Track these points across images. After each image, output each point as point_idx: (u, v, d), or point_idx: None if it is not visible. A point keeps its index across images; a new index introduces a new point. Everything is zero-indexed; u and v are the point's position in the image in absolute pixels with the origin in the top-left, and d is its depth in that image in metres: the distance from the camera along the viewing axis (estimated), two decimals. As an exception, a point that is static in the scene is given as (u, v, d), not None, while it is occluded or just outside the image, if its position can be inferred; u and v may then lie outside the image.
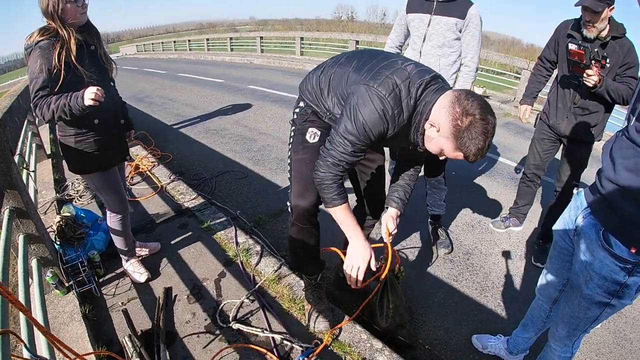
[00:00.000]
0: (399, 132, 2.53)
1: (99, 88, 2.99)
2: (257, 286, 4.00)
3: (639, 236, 1.95)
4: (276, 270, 4.19)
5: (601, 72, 3.80)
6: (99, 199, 5.68)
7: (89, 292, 3.88)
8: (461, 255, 5.03)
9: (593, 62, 3.74)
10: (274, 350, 3.30)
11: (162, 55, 35.59)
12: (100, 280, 4.14)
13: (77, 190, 5.98)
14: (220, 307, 3.76)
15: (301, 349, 3.29)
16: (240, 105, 12.47)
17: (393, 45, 4.73)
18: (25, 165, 5.47)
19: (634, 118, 1.92)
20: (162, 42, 39.80)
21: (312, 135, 3.06)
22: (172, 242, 4.78)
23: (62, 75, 2.99)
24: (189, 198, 5.78)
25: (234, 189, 6.68)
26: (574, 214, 2.43)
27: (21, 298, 2.91)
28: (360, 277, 2.86)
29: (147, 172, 6.66)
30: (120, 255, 4.14)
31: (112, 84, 3.54)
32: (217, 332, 3.51)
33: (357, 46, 19.85)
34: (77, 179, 6.20)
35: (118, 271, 4.23)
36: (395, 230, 3.17)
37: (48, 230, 4.09)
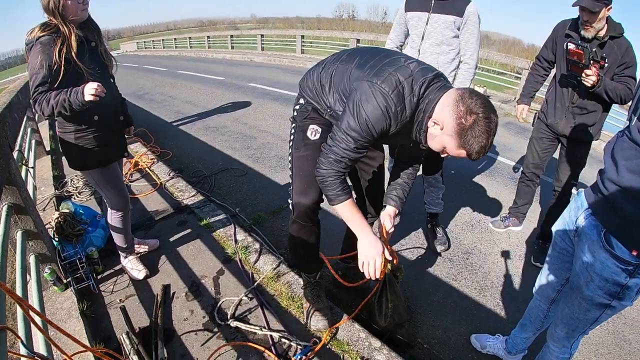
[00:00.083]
0: (401, 129, 2.53)
1: (99, 84, 3.00)
2: (255, 284, 3.99)
3: None
4: (275, 268, 4.19)
5: (599, 72, 3.80)
6: (98, 195, 5.69)
7: (87, 289, 3.88)
8: (460, 255, 5.03)
9: (592, 62, 3.74)
10: (272, 348, 3.29)
11: (162, 53, 35.61)
12: (99, 277, 4.13)
13: (76, 187, 5.97)
14: (218, 305, 3.75)
15: (299, 347, 3.28)
16: (240, 102, 12.47)
17: (393, 45, 4.72)
18: (24, 162, 5.46)
19: (636, 118, 1.91)
20: (163, 40, 39.77)
21: (313, 132, 3.06)
22: (171, 239, 4.78)
23: (62, 72, 3.00)
24: (188, 195, 5.78)
25: (233, 187, 6.68)
26: (574, 214, 2.41)
27: (19, 294, 2.91)
28: (378, 271, 2.87)
29: (147, 169, 6.67)
30: (119, 252, 4.13)
31: (112, 80, 3.54)
32: (215, 329, 3.51)
33: (358, 45, 19.80)
34: (76, 176, 6.19)
35: (116, 268, 4.23)
36: (392, 229, 3.18)
37: (46, 226, 4.09)
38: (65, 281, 3.77)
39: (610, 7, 3.81)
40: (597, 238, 2.13)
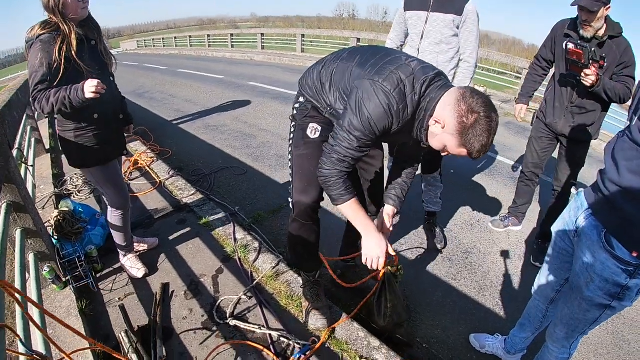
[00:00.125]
0: (402, 127, 2.54)
1: (99, 81, 3.02)
2: (254, 283, 3.99)
3: None
4: (274, 267, 4.19)
5: (599, 72, 3.80)
6: (97, 194, 5.69)
7: (86, 287, 3.88)
8: (460, 254, 5.03)
9: (591, 62, 3.74)
10: (271, 347, 3.29)
11: (162, 51, 35.58)
12: (98, 275, 4.13)
13: (76, 185, 5.97)
14: (217, 304, 3.75)
15: (298, 346, 3.28)
16: (240, 101, 12.46)
17: (394, 45, 4.72)
18: (23, 160, 5.46)
19: (636, 118, 1.91)
20: (163, 38, 39.81)
21: (313, 130, 3.06)
22: (170, 237, 4.78)
23: (62, 70, 3.00)
24: (187, 194, 5.78)
25: (233, 185, 6.68)
26: (574, 214, 2.40)
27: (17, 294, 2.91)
28: (381, 267, 2.96)
29: (146, 168, 6.67)
30: (119, 250, 4.13)
31: (111, 79, 3.55)
32: (214, 328, 3.51)
33: (358, 44, 19.81)
34: (75, 174, 6.19)
35: (115, 266, 4.23)
36: (391, 228, 3.19)
37: (46, 225, 4.09)
38: (64, 279, 3.77)
39: (609, 7, 3.82)
40: (597, 239, 2.13)
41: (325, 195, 3.04)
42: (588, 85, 3.87)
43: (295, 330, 3.48)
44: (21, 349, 2.15)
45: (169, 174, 6.42)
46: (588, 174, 7.37)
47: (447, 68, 4.36)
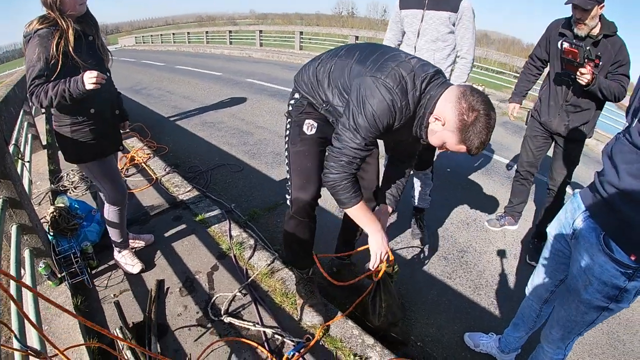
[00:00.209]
0: (404, 124, 2.56)
1: (98, 72, 3.04)
2: (249, 280, 3.99)
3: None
4: (269, 265, 4.19)
5: (594, 71, 3.81)
6: (94, 190, 5.69)
7: (82, 283, 3.87)
8: (455, 253, 5.04)
9: (586, 60, 3.76)
10: (265, 344, 3.30)
11: (160, 48, 35.52)
12: (93, 271, 4.12)
13: (72, 182, 5.97)
14: (212, 301, 3.76)
15: (292, 343, 3.28)
16: (237, 98, 12.46)
17: (391, 44, 4.70)
18: (20, 156, 5.45)
19: (637, 120, 1.90)
20: (161, 34, 39.77)
21: (309, 127, 3.06)
22: (166, 234, 4.77)
23: (59, 65, 3.01)
24: (183, 190, 5.77)
25: (229, 182, 6.67)
26: (570, 216, 2.39)
27: (13, 289, 2.91)
28: (383, 265, 3.07)
29: (143, 164, 6.66)
30: (114, 246, 4.12)
31: (108, 74, 3.54)
32: (209, 325, 3.51)
33: (356, 42, 19.80)
34: (72, 170, 6.18)
35: (111, 263, 4.22)
36: (386, 228, 3.19)
37: (42, 221, 4.09)
38: (59, 276, 3.77)
39: (603, 5, 3.83)
40: (595, 241, 2.12)
41: (322, 192, 3.06)
42: (583, 84, 3.88)
43: (289, 327, 3.49)
44: (16, 344, 2.15)
45: (165, 170, 6.42)
46: (585, 174, 7.40)
47: (444, 65, 4.36)
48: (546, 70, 4.72)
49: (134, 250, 4.33)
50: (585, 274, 2.20)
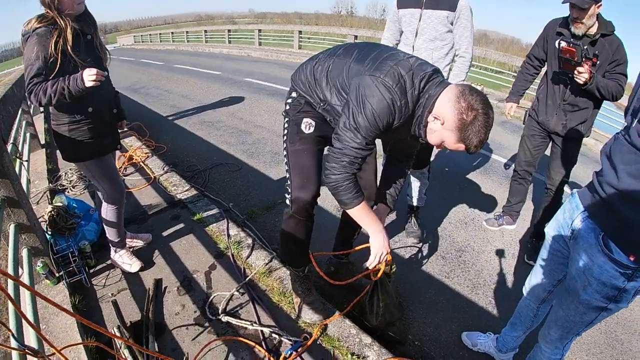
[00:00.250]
0: (403, 122, 2.57)
1: (97, 69, 3.05)
2: (247, 279, 3.99)
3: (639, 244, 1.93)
4: (267, 264, 4.19)
5: (592, 70, 3.82)
6: (92, 189, 5.68)
7: (79, 282, 3.87)
8: (453, 252, 5.04)
9: (584, 59, 3.77)
10: (263, 343, 3.30)
11: (159, 47, 35.50)
12: (91, 270, 4.12)
13: (70, 181, 5.96)
14: (210, 300, 3.76)
15: (290, 342, 3.28)
16: (236, 97, 12.45)
17: (389, 44, 4.71)
18: (18, 155, 5.45)
19: (636, 121, 1.89)
20: (160, 34, 39.72)
21: (307, 125, 3.06)
22: (164, 233, 4.77)
23: (58, 64, 3.01)
24: (181, 190, 5.77)
25: (227, 182, 6.67)
26: (569, 216, 2.39)
27: (11, 288, 2.91)
28: (382, 264, 3.10)
29: (141, 163, 6.65)
30: (111, 246, 4.11)
31: (106, 73, 3.54)
32: (206, 324, 3.51)
33: (355, 41, 19.81)
34: (70, 169, 6.17)
35: (109, 262, 4.22)
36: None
37: (40, 220, 4.09)
38: (57, 275, 3.77)
39: (600, 5, 3.85)
40: (595, 242, 2.11)
41: (321, 190, 3.07)
42: (581, 82, 3.89)
43: (287, 326, 3.49)
44: (13, 343, 2.16)
45: (163, 169, 6.42)
46: (583, 174, 7.40)
47: (442, 64, 4.37)
48: (544, 69, 4.72)
49: (132, 249, 4.33)
50: (584, 274, 2.20)
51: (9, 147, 4.57)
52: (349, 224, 3.56)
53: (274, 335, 3.37)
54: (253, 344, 3.28)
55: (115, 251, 4.11)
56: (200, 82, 15.13)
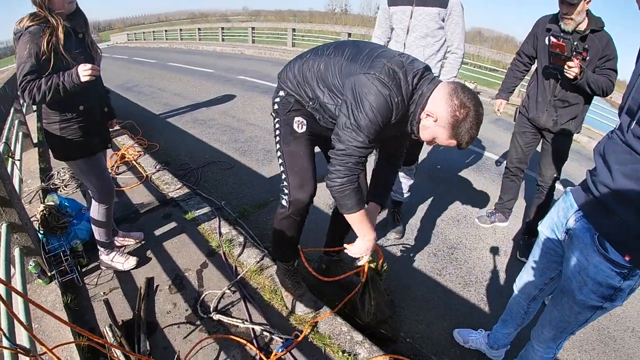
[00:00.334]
0: (399, 119, 2.60)
1: (92, 65, 3.07)
2: (238, 277, 4.00)
3: (635, 245, 1.92)
4: (258, 262, 4.19)
5: (582, 64, 3.84)
6: (84, 188, 5.67)
7: (72, 281, 3.87)
8: (445, 250, 5.05)
9: (574, 53, 3.78)
10: (254, 341, 3.30)
11: (153, 45, 35.46)
12: (83, 269, 4.12)
13: (63, 180, 5.94)
14: (201, 298, 3.76)
15: (281, 340, 3.29)
16: (229, 95, 12.44)
17: (381, 42, 4.69)
18: (10, 154, 5.44)
19: (635, 123, 1.87)
20: (153, 31, 39.59)
21: (299, 124, 3.07)
22: (156, 232, 4.77)
23: (51, 62, 3.02)
24: (173, 188, 5.76)
25: (219, 180, 6.67)
26: (563, 215, 2.38)
27: (2, 287, 2.91)
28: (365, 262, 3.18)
29: (133, 162, 6.65)
30: (100, 247, 4.09)
31: (100, 68, 3.55)
32: (198, 322, 3.51)
33: (349, 38, 19.83)
34: (62, 168, 6.16)
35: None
36: (374, 226, 3.21)
37: (32, 219, 4.09)
38: (49, 274, 3.77)
39: (589, 0, 3.86)
40: (590, 241, 2.11)
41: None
42: (571, 77, 3.91)
43: (278, 324, 3.49)
44: (5, 343, 2.16)
45: (155, 168, 6.40)
46: (577, 171, 7.45)
47: (434, 61, 4.37)
48: (534, 66, 4.74)
49: (123, 248, 4.34)
50: (580, 274, 2.19)
51: (1, 147, 4.57)
52: (341, 221, 3.57)
53: (265, 333, 3.37)
54: (244, 341, 3.28)
55: (107, 253, 4.10)
56: (194, 80, 15.10)
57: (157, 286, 3.92)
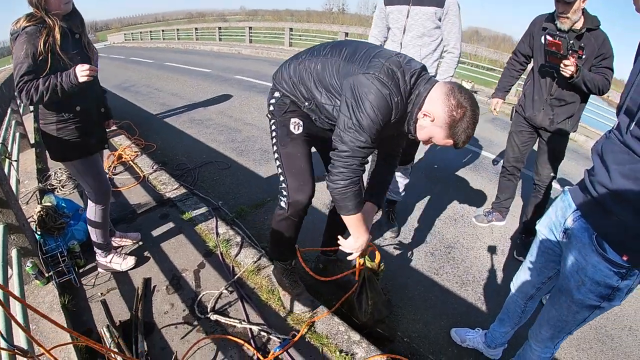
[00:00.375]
0: (398, 119, 2.61)
1: (90, 65, 3.08)
2: (236, 277, 4.00)
3: (632, 245, 1.92)
4: (256, 262, 4.19)
5: (578, 63, 3.85)
6: (81, 188, 5.66)
7: (69, 282, 3.87)
8: (443, 249, 5.06)
9: (570, 52, 3.80)
10: (252, 341, 3.31)
11: (150, 44, 35.42)
12: (80, 270, 4.12)
13: (60, 180, 5.93)
14: (198, 298, 3.76)
15: (278, 340, 3.30)
16: (226, 95, 12.42)
17: (377, 42, 4.67)
18: (7, 155, 5.44)
19: (634, 123, 1.85)
20: (151, 31, 39.55)
21: (296, 125, 3.07)
22: (153, 232, 4.77)
23: (49, 62, 3.02)
24: (171, 188, 5.77)
25: (216, 180, 6.66)
26: (561, 214, 2.38)
27: (-1, 289, 2.91)
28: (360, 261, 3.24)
29: (130, 162, 6.64)
30: (97, 249, 4.07)
31: (97, 68, 3.55)
32: (195, 323, 3.52)
33: (346, 38, 19.82)
34: (60, 169, 6.14)
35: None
36: (370, 226, 3.23)
37: (29, 220, 4.08)
38: (47, 275, 3.76)
39: None
40: (588, 241, 2.11)
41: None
42: (567, 75, 3.92)
43: (275, 324, 3.50)
44: (2, 343, 2.16)
45: (152, 168, 6.41)
46: (575, 170, 7.45)
47: (430, 60, 4.37)
48: (530, 65, 4.75)
49: (120, 249, 4.34)
50: (578, 274, 2.20)
51: (-2, 147, 4.57)
52: (337, 221, 3.58)
53: (262, 333, 3.38)
54: (242, 342, 3.29)
55: (104, 256, 4.09)
56: (191, 80, 15.07)
57: (155, 286, 3.92)
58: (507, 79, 4.98)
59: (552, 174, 4.71)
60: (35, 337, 2.02)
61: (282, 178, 3.19)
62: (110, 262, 4.07)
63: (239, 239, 4.56)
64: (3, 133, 5.78)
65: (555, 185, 4.81)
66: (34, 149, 7.32)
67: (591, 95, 4.30)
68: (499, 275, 4.66)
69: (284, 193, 3.18)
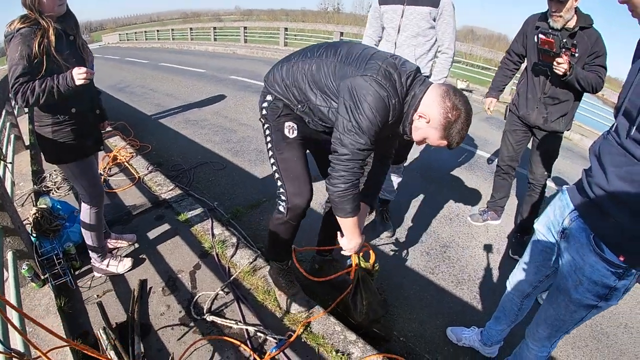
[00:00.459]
0: (395, 120, 2.62)
1: (86, 68, 3.09)
2: (231, 278, 4.00)
3: (629, 247, 1.94)
4: (251, 262, 4.20)
5: (571, 60, 3.86)
6: (76, 191, 5.66)
7: (65, 284, 3.86)
8: (438, 248, 5.07)
9: (563, 50, 3.81)
10: (248, 342, 3.31)
11: (144, 45, 35.33)
12: (76, 272, 4.11)
13: (55, 182, 5.92)
14: (194, 299, 3.76)
15: (275, 340, 3.30)
16: (221, 95, 12.40)
17: (372, 41, 4.68)
18: (2, 157, 5.43)
19: (635, 128, 1.83)
20: (145, 31, 39.44)
21: (290, 129, 3.07)
22: (148, 233, 4.76)
23: (44, 64, 3.02)
24: (166, 189, 5.75)
25: (212, 180, 6.66)
26: (559, 214, 2.38)
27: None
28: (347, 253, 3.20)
29: (125, 163, 6.62)
30: (91, 253, 4.04)
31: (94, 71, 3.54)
32: (191, 324, 3.52)
33: (341, 38, 19.85)
34: (55, 171, 6.13)
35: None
36: (363, 226, 3.25)
37: (24, 222, 4.08)
38: (43, 277, 3.76)
39: None
40: (586, 241, 2.12)
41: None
42: (560, 73, 3.94)
43: (271, 325, 3.50)
44: None
45: (147, 169, 6.39)
46: (570, 169, 7.47)
47: (425, 60, 4.38)
48: (523, 65, 4.76)
49: (116, 250, 4.35)
50: (576, 273, 2.21)
51: (-8, 149, 4.56)
52: (333, 222, 3.58)
53: (258, 333, 3.38)
54: (238, 342, 3.29)
55: (100, 260, 4.07)
56: (185, 80, 15.05)
57: (151, 288, 3.92)
58: (501, 79, 5.00)
59: (546, 173, 4.73)
60: (32, 340, 2.02)
61: (279, 183, 3.19)
62: (107, 266, 4.06)
63: (234, 239, 4.57)
64: (-3, 135, 5.78)
65: (549, 183, 4.82)
66: (28, 150, 7.30)
67: (585, 94, 4.31)
68: (495, 273, 4.68)
69: (283, 198, 3.19)
